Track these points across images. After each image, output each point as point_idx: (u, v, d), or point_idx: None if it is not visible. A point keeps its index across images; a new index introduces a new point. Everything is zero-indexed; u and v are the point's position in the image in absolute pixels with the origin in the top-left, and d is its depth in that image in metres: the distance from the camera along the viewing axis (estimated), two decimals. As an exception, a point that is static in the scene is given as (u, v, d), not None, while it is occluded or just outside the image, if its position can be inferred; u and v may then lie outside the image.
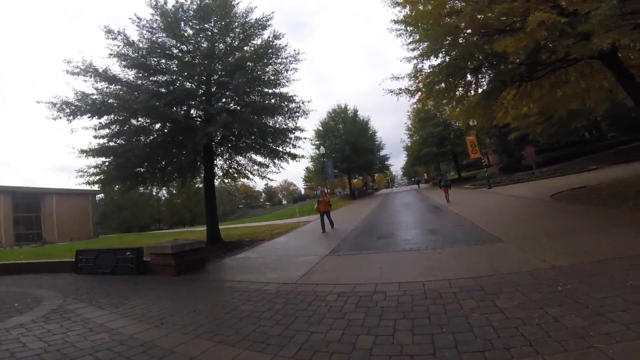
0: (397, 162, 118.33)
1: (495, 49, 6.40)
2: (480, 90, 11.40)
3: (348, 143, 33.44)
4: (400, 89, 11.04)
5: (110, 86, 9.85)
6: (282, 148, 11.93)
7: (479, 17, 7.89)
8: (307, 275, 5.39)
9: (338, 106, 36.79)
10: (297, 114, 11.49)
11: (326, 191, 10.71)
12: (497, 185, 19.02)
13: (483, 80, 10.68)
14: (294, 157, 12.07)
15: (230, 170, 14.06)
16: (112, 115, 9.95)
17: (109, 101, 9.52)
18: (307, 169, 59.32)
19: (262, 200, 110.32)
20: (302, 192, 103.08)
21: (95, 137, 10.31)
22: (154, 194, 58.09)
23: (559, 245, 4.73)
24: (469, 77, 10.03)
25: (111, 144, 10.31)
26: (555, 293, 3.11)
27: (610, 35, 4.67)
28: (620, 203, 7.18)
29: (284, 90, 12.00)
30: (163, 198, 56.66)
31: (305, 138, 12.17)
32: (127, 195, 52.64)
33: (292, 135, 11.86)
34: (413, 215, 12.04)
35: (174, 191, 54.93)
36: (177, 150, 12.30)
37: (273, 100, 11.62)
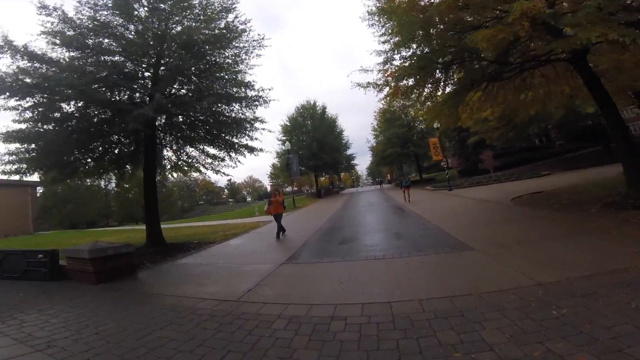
0: (362, 162, 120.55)
1: (471, 41, 5.93)
2: (448, 90, 11.20)
3: (315, 140, 32.69)
4: (368, 83, 10.44)
5: (35, 65, 8.12)
6: (237, 139, 10.77)
7: (451, 16, 7.51)
8: (254, 290, 4.46)
9: (307, 102, 35.89)
10: (257, 102, 10.41)
11: (279, 190, 9.08)
12: (457, 187, 19.45)
13: (451, 79, 10.45)
14: (251, 150, 10.98)
15: (179, 163, 12.57)
16: (37, 98, 8.25)
17: (26, 80, 7.86)
18: (274, 165, 57.74)
19: (224, 196, 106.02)
20: (268, 189, 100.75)
21: (15, 121, 8.55)
22: (103, 187, 52.85)
23: (534, 255, 4.31)
24: (438, 74, 9.69)
25: (36, 129, 8.62)
26: (552, 320, 2.53)
27: (596, 29, 4.33)
28: (581, 209, 7.18)
29: (245, 77, 10.87)
30: (112, 192, 51.52)
31: (264, 129, 11.11)
32: (69, 187, 47.48)
33: (250, 126, 10.76)
34: (377, 216, 11.56)
35: (114, 184, 50.63)
36: (115, 137, 10.66)
37: (230, 88, 10.43)
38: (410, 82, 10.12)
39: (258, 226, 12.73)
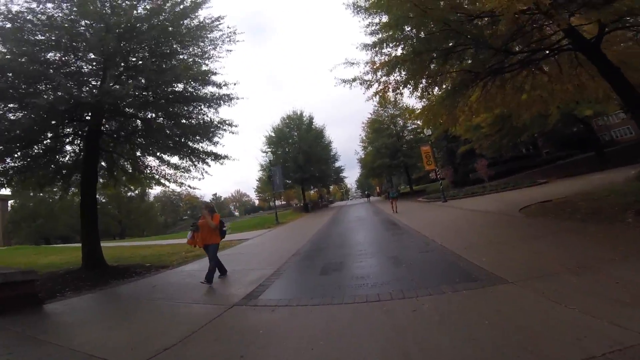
0: (351, 175, 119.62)
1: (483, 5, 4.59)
2: (445, 87, 9.97)
3: (302, 151, 31.24)
4: (355, 78, 9.07)
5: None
6: (200, 146, 9.14)
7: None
8: (176, 348, 2.75)
9: (293, 112, 34.60)
10: (221, 101, 8.86)
11: (212, 209, 6.23)
12: (451, 198, 18.15)
13: (449, 72, 9.20)
14: (216, 157, 9.34)
15: (135, 174, 10.78)
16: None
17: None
18: (260, 179, 55.88)
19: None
20: (256, 203, 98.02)
21: None
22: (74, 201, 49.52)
23: (606, 289, 2.82)
24: (433, 66, 8.39)
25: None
26: None
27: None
28: (611, 218, 5.82)
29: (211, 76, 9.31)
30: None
31: (232, 132, 9.52)
32: (39, 201, 44.17)
33: (215, 131, 9.18)
34: (368, 233, 9.95)
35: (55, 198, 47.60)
36: (50, 142, 8.87)
37: (189, 85, 8.85)
38: (403, 75, 8.82)
39: (229, 245, 10.90)
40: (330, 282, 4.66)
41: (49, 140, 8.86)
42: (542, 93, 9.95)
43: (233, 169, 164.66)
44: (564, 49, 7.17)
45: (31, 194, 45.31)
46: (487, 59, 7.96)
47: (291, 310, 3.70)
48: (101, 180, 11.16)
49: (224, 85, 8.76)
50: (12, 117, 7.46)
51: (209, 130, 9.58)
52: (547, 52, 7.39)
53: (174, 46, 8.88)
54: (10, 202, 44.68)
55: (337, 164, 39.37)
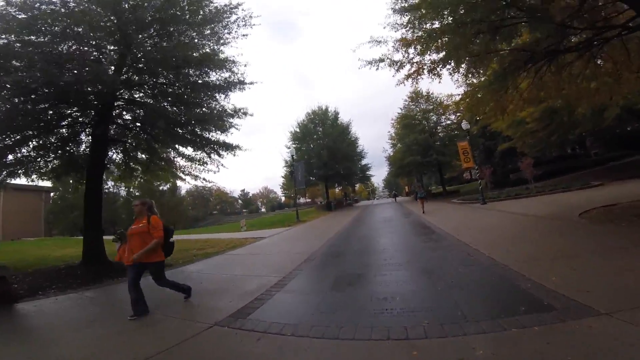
0: (378, 174, 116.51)
1: None
2: (492, 69, 8.51)
3: (326, 147, 30.24)
4: (382, 57, 7.87)
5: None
6: (211, 135, 8.46)
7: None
8: None
9: (319, 107, 33.68)
10: (232, 86, 8.10)
11: (148, 207, 4.19)
12: (491, 200, 16.22)
13: (499, 52, 7.74)
14: (227, 147, 8.59)
15: (151, 166, 10.37)
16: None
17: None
18: (285, 175, 55.71)
19: (237, 207, 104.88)
20: (282, 200, 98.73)
21: None
22: (113, 192, 52.46)
23: None
24: (478, 42, 6.98)
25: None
26: None
27: None
28: None
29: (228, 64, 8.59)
30: (121, 199, 50.89)
31: (244, 114, 8.73)
32: (78, 194, 47.25)
33: (228, 119, 8.45)
34: (395, 238, 8.71)
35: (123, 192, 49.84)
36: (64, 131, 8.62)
37: (198, 71, 8.18)
38: (441, 53, 7.51)
39: (241, 244, 10.17)
40: (342, 303, 3.60)
41: (63, 130, 8.66)
42: (605, 81, 8.21)
43: (262, 165, 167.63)
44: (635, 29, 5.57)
45: (70, 187, 49.01)
46: (544, 37, 6.47)
47: (281, 342, 2.70)
48: (117, 171, 10.97)
49: (231, 63, 7.91)
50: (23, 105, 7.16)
51: (221, 119, 8.92)
52: (614, 32, 5.78)
53: (190, 33, 8.30)
54: (52, 194, 47.94)
55: (363, 162, 37.96)
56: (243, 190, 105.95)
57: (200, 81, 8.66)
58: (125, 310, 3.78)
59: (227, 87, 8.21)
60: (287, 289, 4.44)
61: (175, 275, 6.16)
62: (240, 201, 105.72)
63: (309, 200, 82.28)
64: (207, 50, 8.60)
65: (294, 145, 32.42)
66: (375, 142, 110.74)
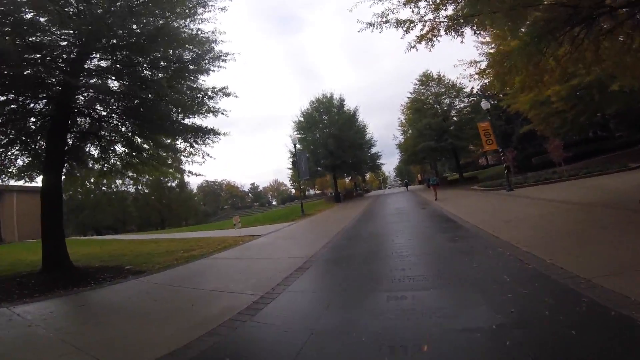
0: (390, 162, 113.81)
1: None
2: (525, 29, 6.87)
3: (332, 136, 28.64)
4: (384, 12, 6.34)
5: None
6: (191, 121, 7.20)
7: None
8: None
9: (323, 95, 31.90)
10: (208, 61, 6.76)
11: None
12: (517, 186, 14.44)
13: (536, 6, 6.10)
14: (203, 133, 7.28)
15: (132, 160, 9.21)
16: None
17: None
18: (294, 167, 54.38)
19: (248, 201, 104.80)
20: (293, 192, 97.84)
21: None
22: (122, 191, 52.51)
23: None
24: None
25: None
26: None
27: None
28: None
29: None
30: (131, 197, 50.88)
31: (225, 94, 7.39)
32: (85, 193, 47.36)
33: (207, 101, 7.12)
34: (414, 236, 7.15)
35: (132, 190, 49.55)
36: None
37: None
38: (460, 8, 5.93)
39: (235, 244, 8.93)
40: (332, 354, 2.22)
41: (21, 122, 7.51)
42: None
43: (274, 158, 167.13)
44: None
45: (80, 188, 48.84)
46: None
47: None
48: (97, 166, 9.89)
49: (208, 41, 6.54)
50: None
51: (201, 101, 7.62)
52: None
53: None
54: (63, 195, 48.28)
55: (373, 150, 36.17)
56: (253, 184, 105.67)
57: (174, 60, 7.35)
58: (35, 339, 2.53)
59: (204, 62, 6.83)
60: (259, 319, 3.10)
61: (136, 286, 4.96)
62: (250, 195, 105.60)
63: (319, 191, 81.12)
64: (177, 25, 7.26)
65: (299, 135, 30.95)
66: (385, 130, 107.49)
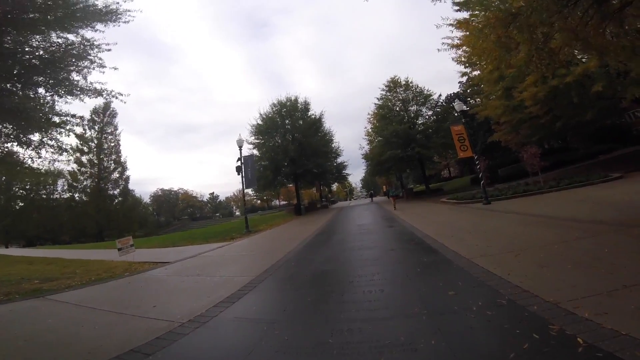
0: (357, 174, 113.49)
1: None
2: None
3: (294, 141, 26.05)
4: None
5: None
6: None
7: None
8: None
9: (287, 98, 29.22)
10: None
11: None
12: (493, 199, 12.74)
13: None
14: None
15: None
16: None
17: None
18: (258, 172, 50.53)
19: (208, 211, 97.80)
20: (259, 202, 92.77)
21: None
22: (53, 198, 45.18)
23: None
24: None
25: None
26: None
27: None
28: None
29: None
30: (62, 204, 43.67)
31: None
32: (5, 200, 39.97)
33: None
34: (382, 277, 4.62)
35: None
36: None
37: None
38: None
39: (111, 277, 5.78)
40: None
41: None
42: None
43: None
44: None
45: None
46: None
47: None
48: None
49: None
50: None
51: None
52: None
53: None
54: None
55: (339, 160, 34.08)
56: (212, 194, 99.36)
57: None
58: None
59: None
60: None
61: None
62: (209, 205, 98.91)
63: (285, 202, 77.46)
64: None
65: (258, 141, 27.97)
66: (352, 143, 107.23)
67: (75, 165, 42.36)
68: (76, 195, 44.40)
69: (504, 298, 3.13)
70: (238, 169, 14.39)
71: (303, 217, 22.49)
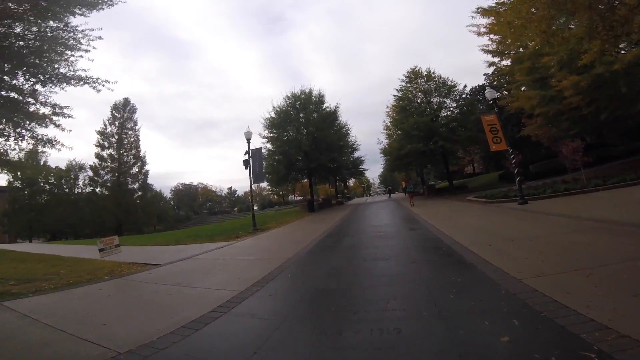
0: (374, 169, 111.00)
1: None
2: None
3: (308, 134, 25.06)
4: None
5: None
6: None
7: None
8: None
9: (301, 91, 28.17)
10: None
11: None
12: (530, 197, 11.17)
13: None
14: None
15: None
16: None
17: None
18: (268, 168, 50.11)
19: (226, 206, 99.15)
20: (275, 198, 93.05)
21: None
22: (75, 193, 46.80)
23: None
24: None
25: None
26: None
27: None
28: None
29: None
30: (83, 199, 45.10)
31: None
32: (31, 194, 41.64)
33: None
34: (399, 283, 3.64)
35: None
36: None
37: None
38: None
39: (91, 279, 5.03)
40: None
41: None
42: None
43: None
44: None
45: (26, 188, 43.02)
46: None
47: None
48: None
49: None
50: None
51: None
52: None
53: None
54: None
55: (356, 155, 32.79)
56: (230, 188, 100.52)
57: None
58: None
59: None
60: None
61: None
62: (228, 200, 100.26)
63: (301, 197, 76.88)
64: None
65: (271, 135, 27.18)
66: (370, 137, 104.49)
67: (96, 161, 43.55)
68: (97, 189, 45.65)
69: (593, 350, 1.98)
70: (245, 163, 13.57)
71: (315, 214, 21.49)
